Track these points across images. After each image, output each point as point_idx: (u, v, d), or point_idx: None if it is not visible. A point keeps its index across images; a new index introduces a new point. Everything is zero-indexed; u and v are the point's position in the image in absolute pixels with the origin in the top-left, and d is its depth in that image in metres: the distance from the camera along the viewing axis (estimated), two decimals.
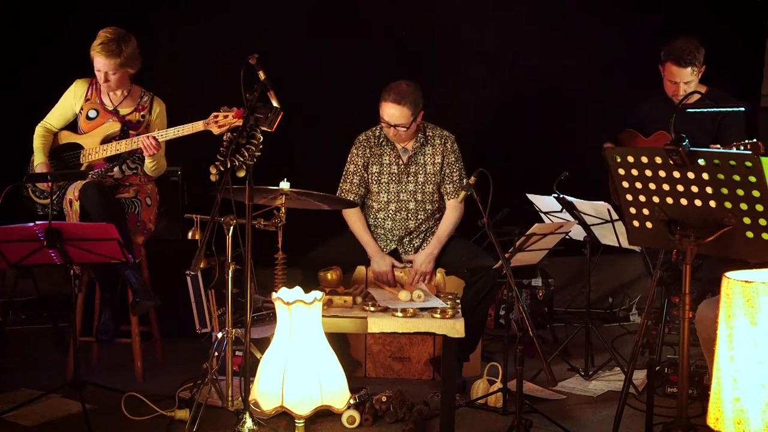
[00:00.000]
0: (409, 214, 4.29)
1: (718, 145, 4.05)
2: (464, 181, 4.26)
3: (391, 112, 4.10)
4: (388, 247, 4.29)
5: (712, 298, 3.22)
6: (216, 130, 3.92)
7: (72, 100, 4.27)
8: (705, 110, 4.28)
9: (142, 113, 4.27)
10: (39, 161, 4.22)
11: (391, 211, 4.30)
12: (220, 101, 3.93)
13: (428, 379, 4.32)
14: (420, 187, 4.28)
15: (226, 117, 3.91)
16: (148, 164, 4.18)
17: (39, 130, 4.28)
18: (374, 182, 4.29)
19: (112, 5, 5.12)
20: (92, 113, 4.24)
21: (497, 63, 5.54)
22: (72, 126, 4.30)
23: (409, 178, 4.27)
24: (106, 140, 4.20)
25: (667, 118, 2.82)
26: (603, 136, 4.60)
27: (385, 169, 4.28)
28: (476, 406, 3.86)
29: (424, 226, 4.30)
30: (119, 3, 5.18)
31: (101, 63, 4.11)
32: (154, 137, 4.06)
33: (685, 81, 4.31)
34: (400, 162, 4.27)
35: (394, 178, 4.28)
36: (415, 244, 4.31)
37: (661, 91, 4.45)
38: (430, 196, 4.29)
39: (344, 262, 4.13)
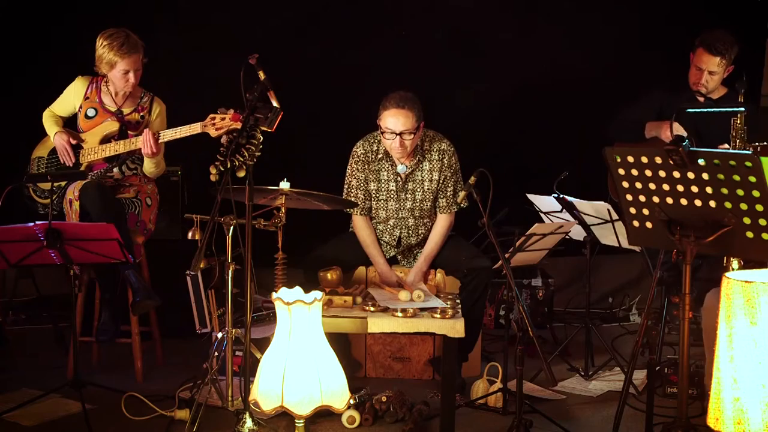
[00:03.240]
0: (410, 231, 4.26)
1: (726, 145, 4.03)
2: (459, 194, 4.24)
3: (395, 118, 3.98)
4: (387, 254, 4.28)
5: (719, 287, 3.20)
6: (213, 133, 3.90)
7: (72, 96, 4.27)
8: (704, 110, 4.26)
9: (141, 114, 4.26)
10: (54, 131, 4.20)
11: (389, 227, 4.27)
12: (219, 101, 3.93)
13: (428, 379, 4.32)
14: (418, 204, 4.21)
15: (223, 119, 3.89)
16: (148, 166, 4.17)
17: (47, 113, 4.29)
18: (373, 199, 4.24)
19: (112, 5, 5.12)
20: (91, 112, 4.24)
21: (497, 63, 5.54)
22: (71, 125, 4.30)
23: (407, 196, 4.20)
24: (105, 140, 4.20)
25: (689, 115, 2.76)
26: (614, 137, 4.53)
27: (383, 186, 4.21)
28: (476, 406, 3.86)
29: (423, 237, 4.28)
30: (119, 3, 5.18)
31: (128, 62, 4.08)
32: (153, 133, 4.05)
33: (710, 70, 4.27)
34: (398, 179, 4.19)
35: (392, 196, 4.21)
36: (415, 252, 4.30)
37: (678, 86, 4.41)
38: (428, 212, 4.25)
39: (344, 262, 4.12)
